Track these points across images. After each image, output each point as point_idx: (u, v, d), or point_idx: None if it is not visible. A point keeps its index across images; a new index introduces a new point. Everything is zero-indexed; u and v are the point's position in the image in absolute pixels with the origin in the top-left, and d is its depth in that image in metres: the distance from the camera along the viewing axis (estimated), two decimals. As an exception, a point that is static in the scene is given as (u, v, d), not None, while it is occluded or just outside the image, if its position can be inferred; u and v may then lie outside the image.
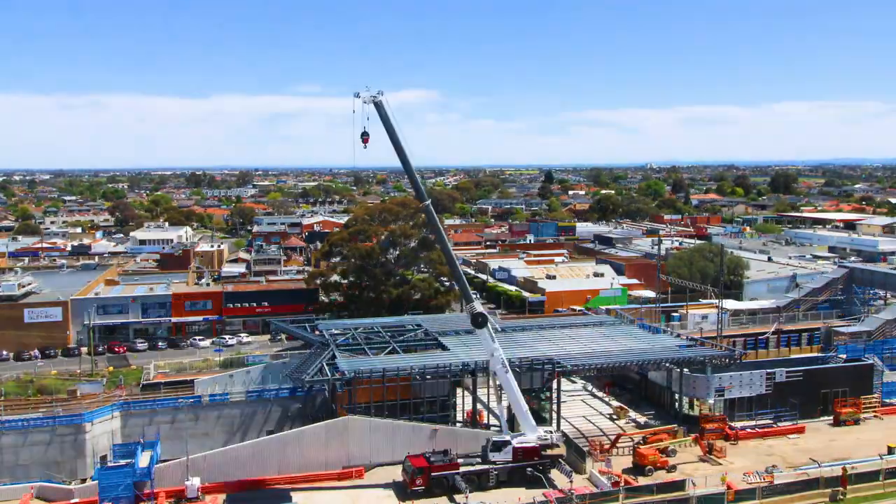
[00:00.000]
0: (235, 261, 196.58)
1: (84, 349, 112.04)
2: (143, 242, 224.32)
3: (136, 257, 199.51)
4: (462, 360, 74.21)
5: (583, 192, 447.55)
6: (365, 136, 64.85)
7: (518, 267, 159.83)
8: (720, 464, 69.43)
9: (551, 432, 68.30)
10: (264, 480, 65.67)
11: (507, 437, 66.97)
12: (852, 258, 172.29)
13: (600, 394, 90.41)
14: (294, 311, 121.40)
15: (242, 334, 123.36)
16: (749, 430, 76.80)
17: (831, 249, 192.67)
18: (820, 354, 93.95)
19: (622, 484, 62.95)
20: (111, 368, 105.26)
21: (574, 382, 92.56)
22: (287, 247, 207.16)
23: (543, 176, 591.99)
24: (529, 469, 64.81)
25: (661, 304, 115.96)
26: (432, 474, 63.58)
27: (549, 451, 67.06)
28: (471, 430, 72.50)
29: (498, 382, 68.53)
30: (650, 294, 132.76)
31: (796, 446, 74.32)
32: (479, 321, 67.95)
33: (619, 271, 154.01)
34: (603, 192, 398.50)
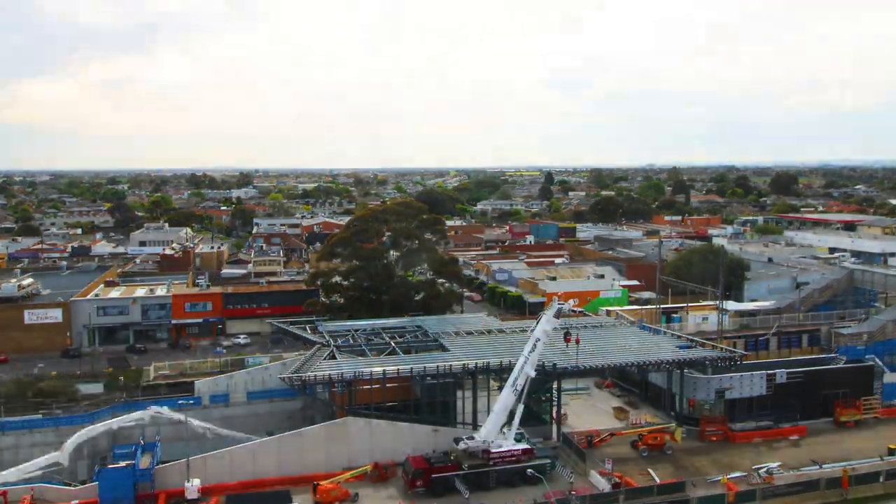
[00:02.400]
0: (236, 262, 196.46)
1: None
2: (142, 244, 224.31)
3: (136, 259, 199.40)
4: (462, 361, 74.17)
5: (583, 194, 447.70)
6: None
7: (518, 268, 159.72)
8: None
9: (498, 446, 66.01)
10: (264, 481, 65.64)
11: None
12: (853, 259, 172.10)
13: (600, 394, 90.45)
14: (294, 312, 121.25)
15: (241, 336, 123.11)
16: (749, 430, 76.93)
17: (832, 251, 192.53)
18: (820, 356, 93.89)
19: (622, 485, 62.96)
20: (111, 370, 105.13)
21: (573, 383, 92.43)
22: (287, 248, 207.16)
23: (544, 177, 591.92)
24: (530, 470, 64.78)
25: (662, 306, 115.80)
26: (433, 475, 63.57)
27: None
28: (471, 430, 72.45)
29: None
30: (651, 295, 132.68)
31: (797, 447, 74.31)
32: None
33: (620, 272, 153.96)
34: (604, 193, 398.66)
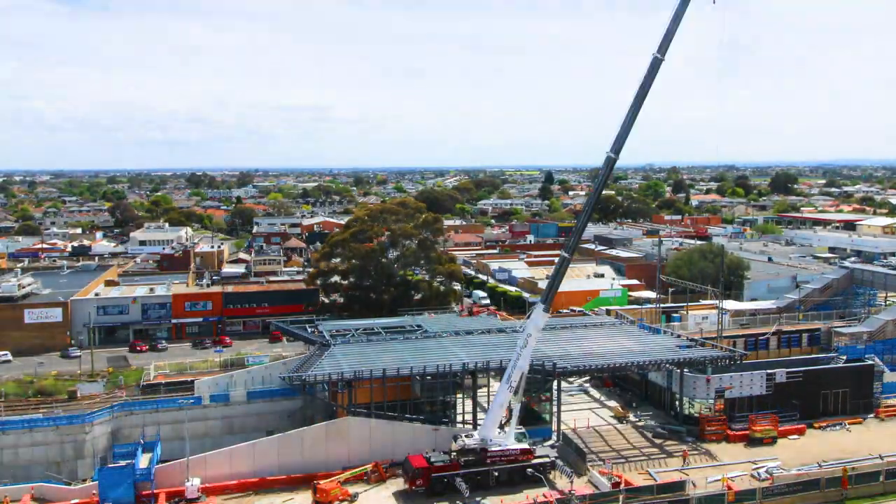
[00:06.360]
0: (236, 261, 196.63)
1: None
2: (143, 243, 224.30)
3: (136, 258, 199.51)
4: (462, 360, 74.19)
5: (583, 193, 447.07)
6: None
7: (518, 268, 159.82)
8: None
9: (497, 444, 65.78)
10: (264, 481, 65.66)
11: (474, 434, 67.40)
12: (852, 259, 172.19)
13: (600, 394, 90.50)
14: (294, 311, 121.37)
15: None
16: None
17: (831, 250, 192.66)
18: (820, 355, 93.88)
19: (622, 485, 62.98)
20: (111, 369, 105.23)
21: (570, 383, 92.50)
22: (287, 247, 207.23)
23: (544, 176, 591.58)
24: (530, 469, 64.80)
25: (662, 305, 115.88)
26: (432, 474, 63.59)
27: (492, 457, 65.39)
28: (471, 429, 72.49)
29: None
30: (650, 295, 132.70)
31: (797, 447, 74.32)
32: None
33: (620, 272, 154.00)
34: (603, 192, 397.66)
